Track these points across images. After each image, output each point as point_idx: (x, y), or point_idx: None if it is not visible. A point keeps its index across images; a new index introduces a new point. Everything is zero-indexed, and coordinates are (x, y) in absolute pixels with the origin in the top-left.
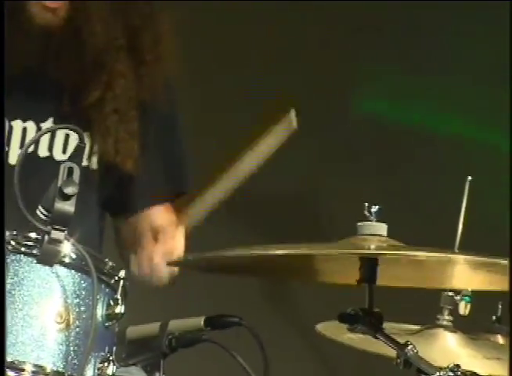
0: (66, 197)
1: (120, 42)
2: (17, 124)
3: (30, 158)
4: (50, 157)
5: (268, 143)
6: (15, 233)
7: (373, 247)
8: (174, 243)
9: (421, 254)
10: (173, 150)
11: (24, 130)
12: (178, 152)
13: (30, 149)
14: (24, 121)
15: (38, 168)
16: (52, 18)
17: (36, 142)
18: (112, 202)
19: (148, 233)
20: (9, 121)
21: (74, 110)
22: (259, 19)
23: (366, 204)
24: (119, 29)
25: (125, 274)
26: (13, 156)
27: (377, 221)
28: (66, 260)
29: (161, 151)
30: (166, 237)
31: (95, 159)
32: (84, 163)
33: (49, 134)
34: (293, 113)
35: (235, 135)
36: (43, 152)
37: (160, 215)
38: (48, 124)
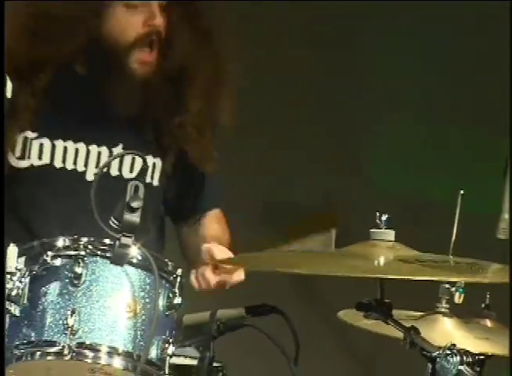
0: (132, 210)
1: (201, 70)
2: (93, 149)
3: (104, 177)
4: (120, 176)
5: (302, 245)
6: (92, 239)
7: (381, 264)
8: (230, 277)
9: (419, 277)
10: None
11: (99, 154)
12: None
13: (105, 169)
14: (99, 146)
15: (111, 185)
16: (144, 68)
17: (109, 163)
18: (173, 211)
19: (206, 252)
20: (87, 145)
21: (152, 135)
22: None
23: (377, 213)
24: (200, 58)
25: (181, 272)
26: (90, 175)
27: (386, 228)
28: (134, 261)
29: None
30: (223, 270)
31: (156, 176)
32: (148, 180)
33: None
34: (333, 233)
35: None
36: (114, 172)
37: (213, 225)
38: (118, 149)
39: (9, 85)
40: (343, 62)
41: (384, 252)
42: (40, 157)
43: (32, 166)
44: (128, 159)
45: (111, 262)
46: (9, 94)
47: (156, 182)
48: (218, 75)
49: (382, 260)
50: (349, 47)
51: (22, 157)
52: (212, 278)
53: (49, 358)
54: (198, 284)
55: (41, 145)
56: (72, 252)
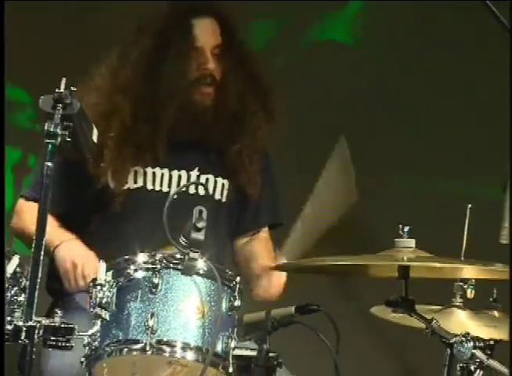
0: (198, 230)
1: (252, 108)
2: (175, 173)
3: (184, 195)
4: (196, 193)
5: (329, 171)
6: (166, 254)
7: (405, 258)
8: (274, 287)
9: (437, 264)
10: (272, 186)
11: (179, 176)
12: (275, 188)
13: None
14: (179, 170)
15: (188, 202)
16: (205, 100)
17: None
18: (232, 228)
19: (253, 265)
20: (170, 171)
21: (216, 160)
22: None
23: (400, 225)
24: (251, 97)
25: (240, 279)
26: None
27: (408, 237)
28: (201, 271)
29: (267, 187)
30: (270, 276)
31: (225, 194)
32: (217, 197)
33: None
34: (343, 140)
35: None
36: (191, 190)
37: (262, 240)
38: (195, 172)
39: (96, 132)
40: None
41: (407, 254)
42: (135, 181)
43: (129, 188)
44: (202, 180)
45: (182, 273)
46: (95, 138)
47: (224, 199)
48: (267, 113)
49: (405, 258)
50: None
51: (118, 183)
52: (258, 287)
53: (134, 353)
54: (252, 296)
55: (136, 172)
56: (150, 266)
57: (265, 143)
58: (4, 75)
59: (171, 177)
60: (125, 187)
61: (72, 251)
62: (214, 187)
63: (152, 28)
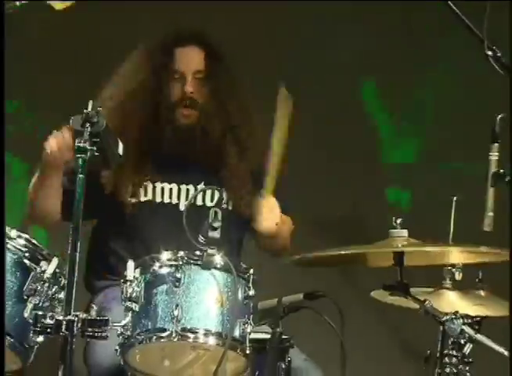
0: (214, 229)
1: (226, 133)
2: (183, 187)
3: (192, 206)
4: (204, 205)
5: (280, 118)
6: (187, 252)
7: (400, 245)
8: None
9: (427, 248)
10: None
11: (187, 190)
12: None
13: (191, 201)
14: (187, 184)
15: (198, 212)
16: (187, 120)
17: (195, 197)
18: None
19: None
20: (178, 185)
21: (217, 174)
22: None
23: (394, 217)
24: (225, 125)
25: (253, 271)
26: (182, 205)
27: (401, 228)
28: (218, 266)
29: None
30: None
31: (231, 203)
32: (224, 206)
33: (201, 192)
34: (283, 89)
35: None
36: (199, 202)
37: None
38: (201, 185)
39: (121, 146)
40: None
41: (401, 242)
42: (145, 195)
43: (139, 201)
44: (208, 193)
45: (201, 268)
46: (121, 152)
47: (230, 207)
48: (241, 142)
49: (400, 244)
50: None
51: (133, 196)
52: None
53: (162, 340)
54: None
55: (146, 186)
56: (173, 263)
57: (240, 169)
58: (4, 75)
59: (179, 190)
60: (135, 200)
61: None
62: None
63: (146, 59)
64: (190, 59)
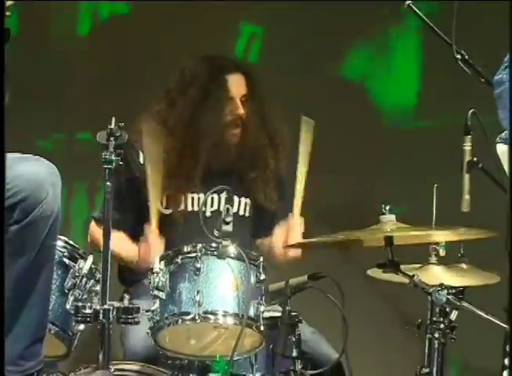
0: (226, 223)
1: (266, 142)
2: (209, 197)
3: (214, 214)
4: (217, 211)
5: (304, 146)
6: (204, 244)
7: (388, 230)
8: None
9: (414, 233)
10: (286, 201)
11: (212, 199)
12: (287, 202)
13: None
14: (212, 194)
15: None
16: (236, 139)
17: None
18: (254, 232)
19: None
20: (205, 195)
21: (239, 184)
22: None
23: (383, 205)
24: (265, 136)
25: (263, 259)
26: (208, 212)
27: (390, 214)
28: (232, 255)
29: (283, 204)
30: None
31: (247, 209)
32: (241, 213)
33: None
34: (305, 118)
35: None
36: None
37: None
38: (223, 194)
39: (141, 155)
40: None
41: (390, 226)
42: (179, 206)
43: (173, 211)
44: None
45: (218, 258)
46: (141, 161)
47: (247, 214)
48: (276, 147)
49: (389, 228)
50: None
51: (167, 207)
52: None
53: (187, 323)
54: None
55: (176, 197)
56: (193, 254)
57: (276, 170)
58: (4, 76)
59: (206, 199)
60: (169, 211)
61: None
62: (239, 205)
63: (194, 81)
64: (239, 85)
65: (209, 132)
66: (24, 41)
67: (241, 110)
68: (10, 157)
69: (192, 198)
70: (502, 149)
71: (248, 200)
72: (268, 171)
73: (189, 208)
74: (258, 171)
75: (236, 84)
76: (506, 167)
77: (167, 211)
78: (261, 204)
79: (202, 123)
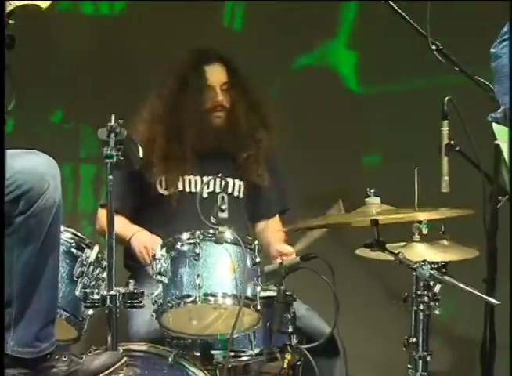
0: (222, 211)
1: (254, 125)
2: (205, 178)
3: (211, 195)
4: (213, 192)
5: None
6: (202, 231)
7: (374, 212)
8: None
9: (398, 215)
10: (279, 181)
11: (208, 181)
12: (281, 182)
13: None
14: (208, 176)
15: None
16: (219, 121)
17: (206, 184)
18: (251, 215)
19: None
20: (201, 177)
21: (232, 166)
22: None
23: (368, 188)
24: (253, 117)
25: (257, 242)
26: (204, 193)
27: (375, 196)
28: (228, 240)
29: (276, 181)
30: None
31: (242, 191)
32: (236, 194)
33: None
34: (340, 203)
35: None
36: (217, 189)
37: (274, 224)
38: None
39: (141, 150)
40: None
41: (375, 209)
42: (177, 187)
43: (171, 193)
44: (217, 182)
45: (215, 243)
46: (141, 155)
47: (241, 196)
48: (266, 131)
49: (374, 211)
50: None
51: (166, 188)
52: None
53: (189, 305)
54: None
55: (184, 179)
56: (192, 241)
57: (267, 150)
58: (4, 76)
59: (202, 181)
60: (168, 192)
61: (142, 239)
62: (233, 187)
63: (176, 72)
64: (217, 74)
65: (192, 117)
66: (26, 43)
67: (220, 97)
68: (10, 153)
69: (190, 180)
70: (496, 127)
71: (242, 182)
72: (260, 152)
73: (187, 189)
74: (250, 151)
75: (215, 74)
76: (502, 144)
77: (166, 192)
78: (255, 182)
79: (184, 109)
